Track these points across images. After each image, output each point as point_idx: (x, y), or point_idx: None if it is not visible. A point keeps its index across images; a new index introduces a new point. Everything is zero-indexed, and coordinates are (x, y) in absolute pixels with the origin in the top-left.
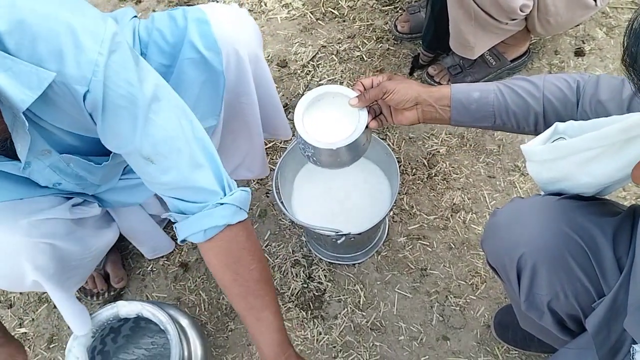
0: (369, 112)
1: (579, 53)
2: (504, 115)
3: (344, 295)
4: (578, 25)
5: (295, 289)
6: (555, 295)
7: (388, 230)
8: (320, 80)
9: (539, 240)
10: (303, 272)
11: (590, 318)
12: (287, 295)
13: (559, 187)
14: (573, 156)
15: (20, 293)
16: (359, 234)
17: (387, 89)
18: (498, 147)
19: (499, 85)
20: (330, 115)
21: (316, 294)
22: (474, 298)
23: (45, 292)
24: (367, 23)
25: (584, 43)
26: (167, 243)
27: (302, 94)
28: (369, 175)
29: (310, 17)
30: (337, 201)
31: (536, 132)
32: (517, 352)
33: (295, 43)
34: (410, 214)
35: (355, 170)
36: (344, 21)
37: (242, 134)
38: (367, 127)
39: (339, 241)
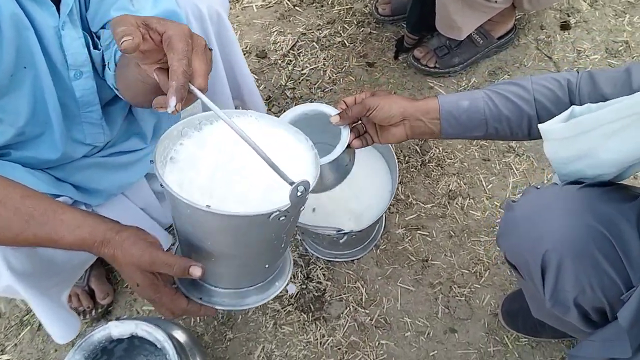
0: (351, 131)
1: (565, 27)
2: (496, 122)
3: (345, 294)
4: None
5: (294, 290)
6: (582, 290)
7: (385, 223)
8: (302, 70)
9: (564, 234)
10: (301, 273)
11: (622, 311)
12: (286, 298)
13: (576, 167)
14: (596, 130)
15: None
16: (360, 231)
17: (370, 106)
18: None
19: (487, 92)
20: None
21: (316, 294)
22: (479, 286)
23: (28, 315)
24: (347, 7)
25: (569, 16)
26: (165, 239)
27: (284, 85)
28: (367, 166)
29: (287, 3)
30: (334, 198)
31: (529, 137)
32: (527, 339)
33: (274, 32)
34: (407, 204)
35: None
36: (322, 6)
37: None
38: (349, 146)
39: (341, 240)
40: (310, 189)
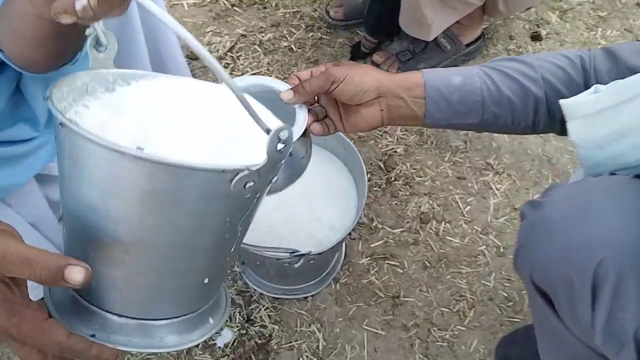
0: (309, 112)
1: (536, 37)
2: (495, 106)
3: (296, 341)
4: (529, 8)
5: (231, 337)
6: None
7: (346, 251)
8: (242, 74)
9: (625, 237)
10: (239, 314)
11: None
12: (219, 348)
13: (614, 150)
14: None
15: None
16: (320, 253)
17: (335, 77)
18: (464, 143)
19: (484, 69)
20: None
21: (259, 342)
22: (463, 329)
23: None
24: (293, 10)
25: (538, 27)
26: None
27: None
28: (326, 174)
29: (223, 3)
30: (286, 213)
31: (534, 127)
32: None
33: (208, 32)
34: (371, 228)
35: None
36: (264, 8)
37: None
38: (305, 133)
39: (296, 265)
40: (294, 140)
